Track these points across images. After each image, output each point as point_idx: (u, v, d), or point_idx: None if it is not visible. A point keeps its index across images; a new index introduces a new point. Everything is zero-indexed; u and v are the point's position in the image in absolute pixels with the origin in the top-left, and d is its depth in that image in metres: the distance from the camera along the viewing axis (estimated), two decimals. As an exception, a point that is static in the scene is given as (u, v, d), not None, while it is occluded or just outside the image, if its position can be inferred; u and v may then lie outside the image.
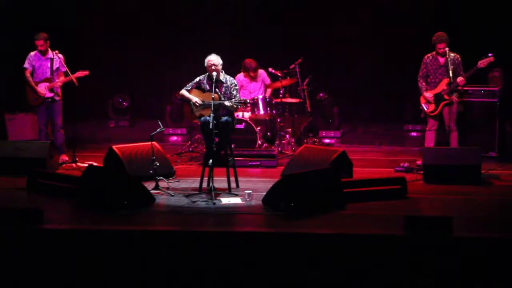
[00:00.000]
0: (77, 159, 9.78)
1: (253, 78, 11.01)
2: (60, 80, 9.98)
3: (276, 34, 13.07)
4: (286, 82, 10.89)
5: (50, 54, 9.94)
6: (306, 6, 13.17)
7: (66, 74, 9.92)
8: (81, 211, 7.57)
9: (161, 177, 8.47)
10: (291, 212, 7.33)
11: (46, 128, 10.14)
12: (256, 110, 10.57)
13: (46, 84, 9.93)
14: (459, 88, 9.50)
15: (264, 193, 7.77)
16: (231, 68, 9.34)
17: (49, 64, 9.95)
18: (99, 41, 13.38)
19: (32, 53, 9.99)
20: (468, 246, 6.37)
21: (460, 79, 9.31)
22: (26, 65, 10.00)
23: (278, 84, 10.89)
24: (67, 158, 10.02)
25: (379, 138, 12.29)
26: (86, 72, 9.96)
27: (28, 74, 9.96)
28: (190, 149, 10.78)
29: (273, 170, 9.58)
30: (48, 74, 9.94)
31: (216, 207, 7.71)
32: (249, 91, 10.94)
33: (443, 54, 9.43)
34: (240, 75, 11.04)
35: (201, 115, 8.55)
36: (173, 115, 12.81)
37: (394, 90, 12.90)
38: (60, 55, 9.93)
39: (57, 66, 9.98)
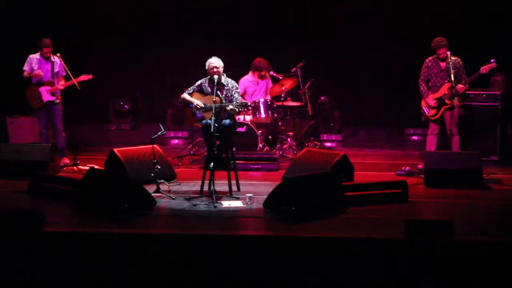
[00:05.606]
0: (78, 162, 9.79)
1: (262, 77, 10.97)
2: (62, 84, 9.97)
3: (277, 37, 13.06)
4: (287, 85, 10.88)
5: (52, 57, 9.93)
6: (307, 9, 13.17)
7: (66, 78, 9.92)
8: (82, 214, 7.56)
9: (162, 180, 8.47)
10: (292, 216, 7.32)
11: (47, 131, 10.14)
12: (257, 113, 10.57)
13: (48, 87, 9.93)
14: (460, 93, 9.50)
15: (265, 197, 7.76)
16: (232, 71, 9.32)
17: (50, 68, 9.95)
18: (99, 44, 13.37)
19: (33, 56, 9.97)
20: (469, 250, 6.36)
21: (459, 86, 9.31)
22: (26, 67, 9.99)
23: (279, 88, 10.88)
24: (68, 161, 10.02)
25: (380, 142, 12.29)
26: (90, 76, 9.94)
27: (26, 75, 9.98)
28: (191, 152, 10.79)
29: (274, 174, 9.58)
30: (49, 77, 9.94)
31: (217, 210, 7.70)
32: (250, 94, 10.94)
33: (444, 59, 9.43)
34: (248, 77, 11.01)
35: (203, 118, 8.55)
36: (174, 118, 12.81)
37: (395, 94, 12.89)
38: (59, 58, 9.90)
39: (57, 70, 9.97)
